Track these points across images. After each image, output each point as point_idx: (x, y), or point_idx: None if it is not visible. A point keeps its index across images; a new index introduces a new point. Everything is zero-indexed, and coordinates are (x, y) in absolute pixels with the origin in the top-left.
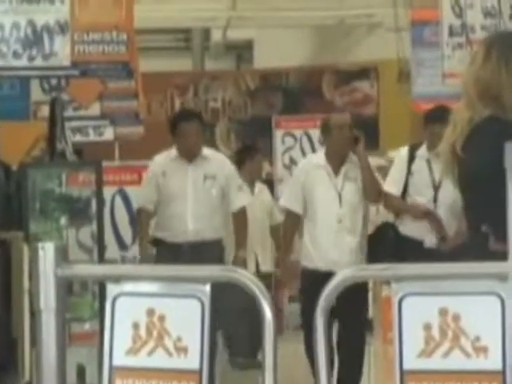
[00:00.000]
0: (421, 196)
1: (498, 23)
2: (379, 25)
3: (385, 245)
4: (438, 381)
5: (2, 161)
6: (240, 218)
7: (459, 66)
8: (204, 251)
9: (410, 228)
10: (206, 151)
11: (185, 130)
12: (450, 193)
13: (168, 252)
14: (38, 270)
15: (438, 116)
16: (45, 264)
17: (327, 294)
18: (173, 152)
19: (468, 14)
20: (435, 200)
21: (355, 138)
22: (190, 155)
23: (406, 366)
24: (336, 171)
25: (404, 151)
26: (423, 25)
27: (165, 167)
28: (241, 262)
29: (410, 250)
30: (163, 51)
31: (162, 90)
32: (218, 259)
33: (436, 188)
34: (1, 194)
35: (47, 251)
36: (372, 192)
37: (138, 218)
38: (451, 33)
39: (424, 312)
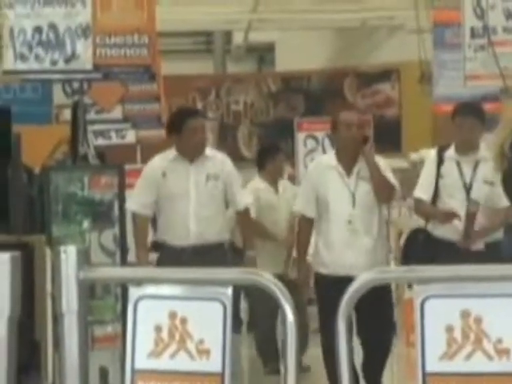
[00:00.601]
0: (452, 198)
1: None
2: (401, 27)
3: (415, 249)
4: (461, 383)
5: (25, 164)
6: (246, 217)
7: (481, 67)
8: (207, 254)
9: (443, 230)
10: (207, 150)
11: (193, 126)
12: (481, 193)
13: (170, 256)
14: (60, 274)
15: (470, 110)
16: (67, 267)
17: (348, 298)
18: (171, 153)
19: (490, 16)
20: (467, 201)
21: (364, 138)
22: (195, 153)
23: (429, 368)
24: (348, 171)
25: (432, 154)
26: (445, 27)
27: (164, 168)
28: (252, 262)
29: (444, 252)
30: (185, 54)
31: (183, 93)
32: (222, 263)
33: (467, 189)
34: (23, 198)
35: (69, 254)
36: (382, 192)
37: (134, 224)
38: (473, 34)
39: (446, 314)
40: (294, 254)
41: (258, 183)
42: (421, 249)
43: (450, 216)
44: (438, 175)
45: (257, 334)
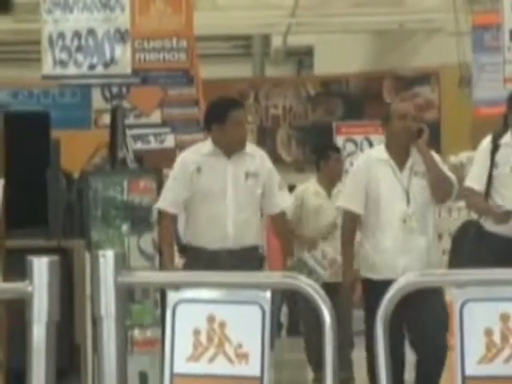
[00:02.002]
0: (507, 189)
1: None
2: (439, 29)
3: (466, 244)
4: None
5: (64, 169)
6: (283, 220)
7: None
8: (243, 259)
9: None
10: (246, 146)
11: (237, 118)
12: None
13: (203, 260)
14: (99, 278)
15: None
16: (105, 271)
17: (387, 302)
18: (205, 146)
19: None
20: None
21: (419, 130)
22: (237, 148)
23: (468, 371)
24: (401, 166)
25: (486, 141)
26: (484, 29)
27: (199, 163)
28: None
29: (498, 247)
30: (223, 58)
31: (222, 91)
32: (259, 268)
33: None
34: (62, 202)
35: (108, 259)
36: (440, 189)
37: (161, 223)
38: None
39: (485, 317)
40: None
41: (309, 185)
42: (471, 245)
43: (506, 216)
44: (493, 164)
45: (304, 341)
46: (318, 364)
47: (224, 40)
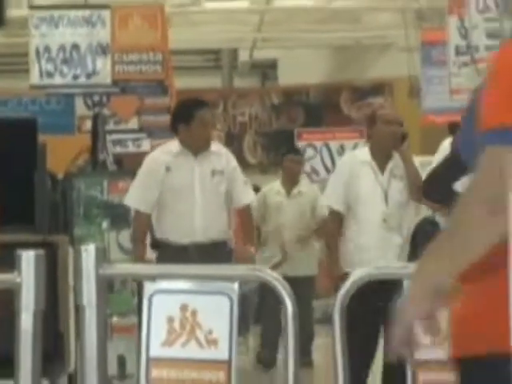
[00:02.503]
0: None
1: (500, 43)
2: (391, 45)
3: (424, 242)
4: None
5: (49, 171)
6: (247, 214)
7: (465, 82)
8: (212, 253)
9: None
10: (212, 145)
11: (203, 118)
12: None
13: (172, 254)
14: (81, 270)
15: None
16: (87, 264)
17: (342, 295)
18: (173, 146)
19: (472, 36)
20: None
21: (403, 135)
22: (203, 147)
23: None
24: (382, 168)
25: (447, 141)
26: (432, 45)
27: (168, 163)
28: (250, 257)
29: None
30: (195, 70)
31: None
32: (227, 261)
33: None
34: (48, 201)
35: (89, 253)
36: (416, 190)
37: (134, 222)
38: (457, 52)
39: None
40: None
41: (274, 185)
42: (428, 242)
43: None
44: None
45: (263, 328)
46: (272, 348)
47: (196, 54)
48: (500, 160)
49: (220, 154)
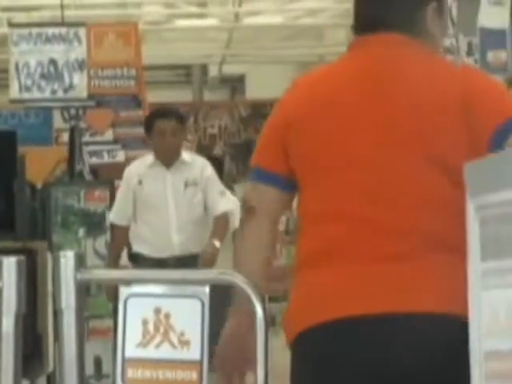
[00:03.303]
0: None
1: (456, 59)
2: None
3: None
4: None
5: (29, 180)
6: (220, 221)
7: None
8: (191, 266)
9: None
10: (186, 155)
11: (161, 127)
12: None
13: (150, 268)
14: (60, 275)
15: None
16: (66, 269)
17: None
18: (149, 158)
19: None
20: None
21: None
22: (167, 158)
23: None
24: None
25: None
26: None
27: (140, 175)
28: (214, 250)
29: None
30: (167, 84)
31: None
32: None
33: None
34: (27, 209)
35: (68, 258)
36: None
37: (111, 235)
38: None
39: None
40: None
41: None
42: None
43: None
44: None
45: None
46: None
47: (168, 69)
48: None
49: (194, 163)
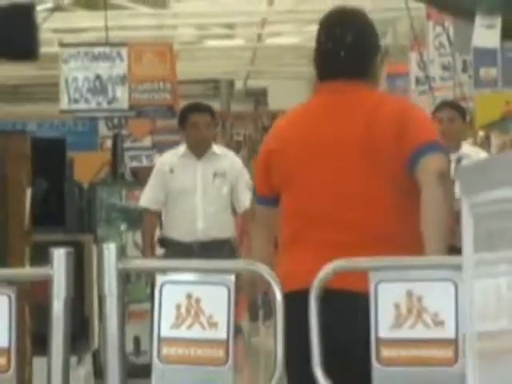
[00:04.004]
0: None
1: (453, 75)
2: None
3: None
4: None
5: (77, 182)
6: (244, 220)
7: (424, 107)
8: (214, 251)
9: None
10: (217, 148)
11: (195, 120)
12: None
13: (177, 252)
14: (103, 264)
15: (447, 104)
16: (108, 259)
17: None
18: (180, 149)
19: (430, 68)
20: None
21: None
22: (199, 149)
23: (381, 335)
24: None
25: None
26: (396, 76)
27: (172, 165)
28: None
29: None
30: (198, 97)
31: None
32: (229, 258)
33: None
34: (76, 207)
35: (110, 250)
36: None
37: (144, 219)
38: (417, 82)
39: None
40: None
41: None
42: None
43: None
44: None
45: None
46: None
47: (199, 83)
48: None
49: (224, 156)
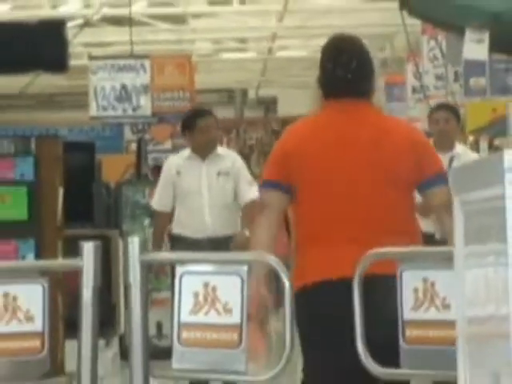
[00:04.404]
0: None
1: (445, 84)
2: None
3: None
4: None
5: (104, 181)
6: (250, 208)
7: (419, 114)
8: (223, 247)
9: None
10: (220, 149)
11: (207, 123)
12: None
13: (187, 248)
14: (128, 256)
15: (442, 105)
16: (133, 252)
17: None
18: (185, 152)
19: (425, 78)
20: None
21: None
22: (207, 150)
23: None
24: None
25: None
26: (394, 86)
27: (179, 167)
28: (244, 239)
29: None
30: (215, 104)
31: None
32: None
33: None
34: (103, 204)
35: (134, 243)
36: None
37: (154, 221)
38: (413, 91)
39: (413, 280)
40: None
41: None
42: None
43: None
44: None
45: None
46: None
47: (215, 92)
48: None
49: (227, 156)
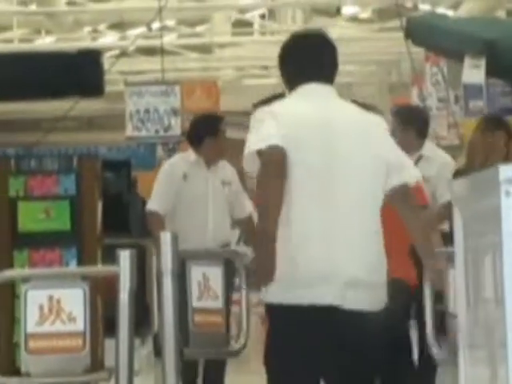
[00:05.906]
0: None
1: (447, 106)
2: (374, 108)
3: None
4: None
5: (140, 195)
6: (251, 222)
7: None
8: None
9: None
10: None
11: (211, 145)
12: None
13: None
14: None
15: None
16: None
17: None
18: (190, 155)
19: (428, 100)
20: None
21: None
22: (218, 158)
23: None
24: None
25: None
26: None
27: (185, 170)
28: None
29: None
30: (239, 126)
31: (239, 150)
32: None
33: None
34: (139, 216)
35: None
36: None
37: (150, 222)
38: None
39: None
40: None
41: None
42: None
43: None
44: None
45: None
46: None
47: (239, 115)
48: None
49: (225, 166)
